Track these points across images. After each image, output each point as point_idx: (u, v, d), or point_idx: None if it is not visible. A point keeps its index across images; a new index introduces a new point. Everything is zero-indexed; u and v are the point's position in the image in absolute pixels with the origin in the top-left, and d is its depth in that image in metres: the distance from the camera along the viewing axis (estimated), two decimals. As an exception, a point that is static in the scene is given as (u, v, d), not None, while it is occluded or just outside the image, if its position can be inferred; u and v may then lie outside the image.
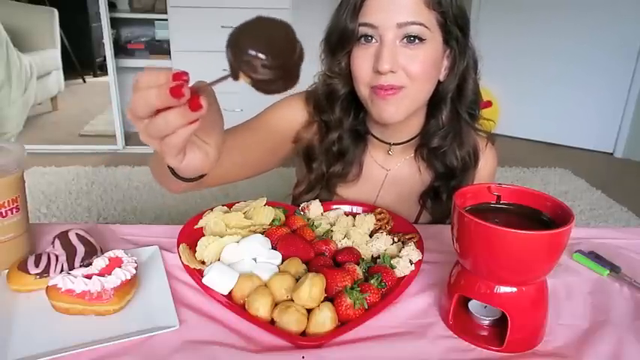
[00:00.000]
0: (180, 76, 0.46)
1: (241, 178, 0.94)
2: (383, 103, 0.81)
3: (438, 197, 0.95)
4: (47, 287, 0.63)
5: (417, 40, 0.78)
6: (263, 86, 0.46)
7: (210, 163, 0.58)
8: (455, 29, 0.82)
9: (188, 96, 0.45)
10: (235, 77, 0.46)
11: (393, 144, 0.94)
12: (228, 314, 0.65)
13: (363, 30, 0.80)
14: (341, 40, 0.83)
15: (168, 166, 0.62)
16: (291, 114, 0.95)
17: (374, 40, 0.80)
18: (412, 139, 0.94)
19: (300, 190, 0.97)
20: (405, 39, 0.78)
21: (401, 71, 0.79)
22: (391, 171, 0.98)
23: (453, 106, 0.89)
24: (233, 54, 0.44)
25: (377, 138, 0.94)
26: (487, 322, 0.66)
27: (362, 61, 0.81)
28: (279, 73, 0.45)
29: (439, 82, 0.87)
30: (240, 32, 0.45)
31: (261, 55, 0.43)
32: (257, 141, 0.93)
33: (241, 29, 0.45)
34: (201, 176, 0.64)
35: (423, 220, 0.99)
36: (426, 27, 0.78)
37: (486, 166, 0.97)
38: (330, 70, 0.87)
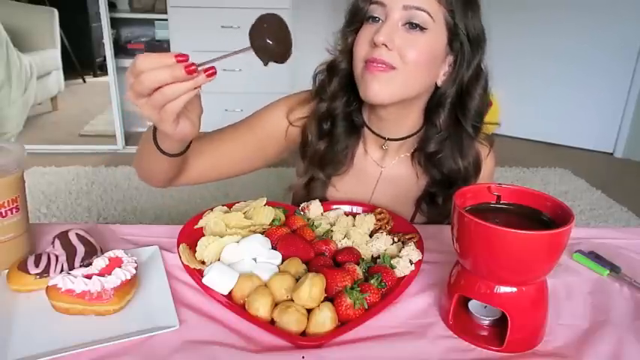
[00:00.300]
0: (184, 56, 0.57)
1: (226, 175, 0.95)
2: (370, 79, 0.81)
3: (434, 202, 0.95)
4: (47, 287, 0.63)
5: (417, 29, 0.80)
6: (278, 59, 0.63)
7: (195, 130, 0.68)
8: (463, 36, 0.82)
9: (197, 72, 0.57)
10: (266, 63, 0.64)
11: (388, 139, 0.94)
12: (228, 314, 0.65)
13: (372, 8, 0.82)
14: (351, 17, 0.86)
15: (156, 145, 0.72)
16: (282, 114, 0.95)
17: (380, 21, 0.82)
18: (408, 137, 0.93)
19: (297, 181, 0.98)
20: (407, 24, 0.80)
21: (395, 52, 0.80)
22: (386, 169, 0.97)
23: (454, 114, 0.89)
24: (256, 44, 0.62)
25: (372, 131, 0.94)
26: (487, 322, 0.66)
27: (363, 37, 0.83)
28: (284, 50, 0.63)
29: (437, 87, 0.87)
30: (258, 29, 0.62)
31: (273, 43, 0.61)
32: (245, 138, 0.94)
33: (258, 27, 0.62)
34: (182, 153, 0.75)
35: (418, 221, 0.99)
36: (431, 17, 0.79)
37: (486, 169, 0.97)
38: (338, 46, 0.90)
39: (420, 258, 0.75)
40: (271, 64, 0.63)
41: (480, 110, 0.89)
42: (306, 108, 0.95)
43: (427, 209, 0.96)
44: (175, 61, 0.56)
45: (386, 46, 0.79)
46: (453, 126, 0.89)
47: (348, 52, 0.87)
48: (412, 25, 0.80)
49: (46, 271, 0.68)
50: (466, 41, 0.83)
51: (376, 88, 0.81)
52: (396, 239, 0.80)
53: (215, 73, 0.58)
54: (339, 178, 0.97)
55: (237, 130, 0.94)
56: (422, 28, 0.80)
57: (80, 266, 0.68)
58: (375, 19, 0.82)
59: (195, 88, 0.59)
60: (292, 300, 0.64)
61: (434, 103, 0.89)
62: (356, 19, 0.85)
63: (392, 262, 0.73)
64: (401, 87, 0.82)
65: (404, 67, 0.80)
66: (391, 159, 0.97)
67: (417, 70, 0.82)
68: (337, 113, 0.92)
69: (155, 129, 0.73)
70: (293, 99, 0.97)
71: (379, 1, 0.81)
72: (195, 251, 0.74)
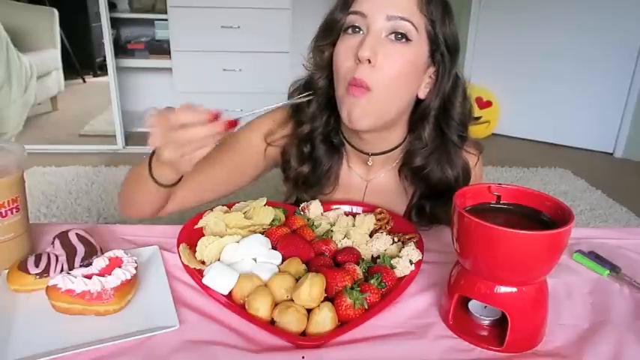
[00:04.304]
0: (218, 114, 0.66)
1: (208, 200, 0.92)
2: (351, 104, 0.78)
3: (423, 211, 0.93)
4: (47, 287, 0.63)
5: (403, 39, 0.76)
6: None
7: None
8: (442, 46, 0.80)
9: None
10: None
11: (372, 154, 0.90)
12: (228, 314, 0.65)
13: (352, 18, 0.78)
14: (328, 29, 0.82)
15: (152, 177, 0.76)
16: (259, 137, 0.93)
17: (361, 32, 0.78)
18: (391, 150, 0.90)
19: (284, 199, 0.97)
20: (392, 34, 0.76)
21: (378, 66, 0.76)
22: (372, 182, 0.95)
23: (438, 126, 0.86)
24: None
25: (354, 147, 0.91)
26: (487, 322, 0.66)
27: (344, 50, 0.79)
28: None
29: (420, 100, 0.85)
30: None
31: None
32: (224, 164, 0.92)
33: None
34: (176, 183, 0.78)
35: None
36: (415, 27, 0.76)
37: (475, 177, 0.94)
38: (313, 61, 0.86)
39: (420, 258, 0.75)
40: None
41: (463, 118, 0.86)
42: (284, 129, 0.92)
43: (416, 219, 0.94)
44: (209, 119, 0.65)
45: (369, 61, 0.75)
46: (438, 138, 0.87)
47: (326, 66, 0.83)
48: (396, 37, 0.76)
49: (46, 271, 0.68)
50: (446, 52, 0.81)
51: (358, 113, 0.78)
52: (396, 239, 0.80)
53: (237, 123, 0.68)
54: (326, 197, 0.94)
55: (215, 157, 0.92)
56: (407, 39, 0.76)
57: (80, 266, 0.68)
58: (355, 28, 0.78)
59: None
60: (292, 300, 0.64)
61: (417, 116, 0.86)
62: (333, 32, 0.81)
63: (392, 262, 0.73)
64: (382, 106, 0.79)
65: (386, 84, 0.77)
66: (376, 172, 0.94)
67: (399, 85, 0.79)
68: (317, 135, 0.89)
69: (150, 162, 0.76)
70: (270, 120, 0.93)
71: (360, 11, 0.77)
72: (195, 251, 0.74)
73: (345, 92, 0.79)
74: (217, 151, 0.93)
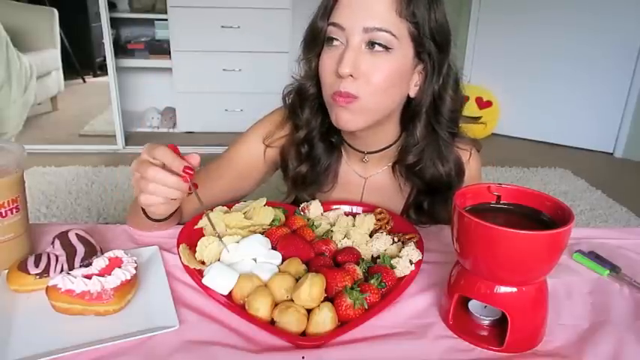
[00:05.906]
0: (190, 170, 0.70)
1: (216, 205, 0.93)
2: (339, 110, 0.79)
3: (421, 208, 0.94)
4: (47, 287, 0.63)
5: (382, 49, 0.75)
6: None
7: (175, 207, 0.80)
8: (430, 44, 0.78)
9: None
10: None
11: (367, 152, 0.92)
12: (228, 314, 0.65)
13: (331, 30, 0.78)
14: (311, 39, 0.82)
15: (145, 214, 0.80)
16: (258, 142, 0.94)
17: (341, 44, 0.78)
18: (386, 147, 0.91)
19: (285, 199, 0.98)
20: (370, 45, 0.75)
21: (362, 79, 0.76)
22: (369, 180, 0.96)
23: (429, 122, 0.86)
24: None
25: (350, 146, 0.92)
26: (487, 322, 0.66)
27: (327, 65, 0.79)
28: None
29: (411, 98, 0.84)
30: None
31: None
32: (226, 174, 0.94)
33: None
34: (170, 216, 0.82)
35: None
36: (394, 35, 0.75)
37: (470, 171, 0.94)
38: (303, 72, 0.87)
39: (420, 258, 0.75)
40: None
41: (453, 116, 0.86)
42: (282, 129, 0.93)
43: (415, 216, 0.95)
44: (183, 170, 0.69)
45: (352, 75, 0.75)
46: (430, 134, 0.87)
47: (314, 75, 0.84)
48: (375, 48, 0.75)
49: (46, 271, 0.68)
50: (434, 49, 0.79)
51: (346, 117, 0.79)
52: (396, 239, 0.80)
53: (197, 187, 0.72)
54: (325, 195, 0.95)
55: (217, 168, 0.94)
56: (386, 48, 0.75)
57: (80, 266, 0.68)
58: (335, 41, 0.77)
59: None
60: (292, 300, 0.64)
61: (409, 114, 0.86)
62: (317, 42, 0.81)
63: (392, 262, 0.73)
64: (371, 112, 0.80)
65: (372, 94, 0.77)
66: (373, 170, 0.95)
67: (385, 91, 0.78)
68: (314, 135, 0.90)
69: None
70: (268, 124, 0.95)
71: (338, 23, 0.76)
72: (195, 251, 0.74)
73: (332, 101, 0.80)
74: (219, 165, 0.95)
